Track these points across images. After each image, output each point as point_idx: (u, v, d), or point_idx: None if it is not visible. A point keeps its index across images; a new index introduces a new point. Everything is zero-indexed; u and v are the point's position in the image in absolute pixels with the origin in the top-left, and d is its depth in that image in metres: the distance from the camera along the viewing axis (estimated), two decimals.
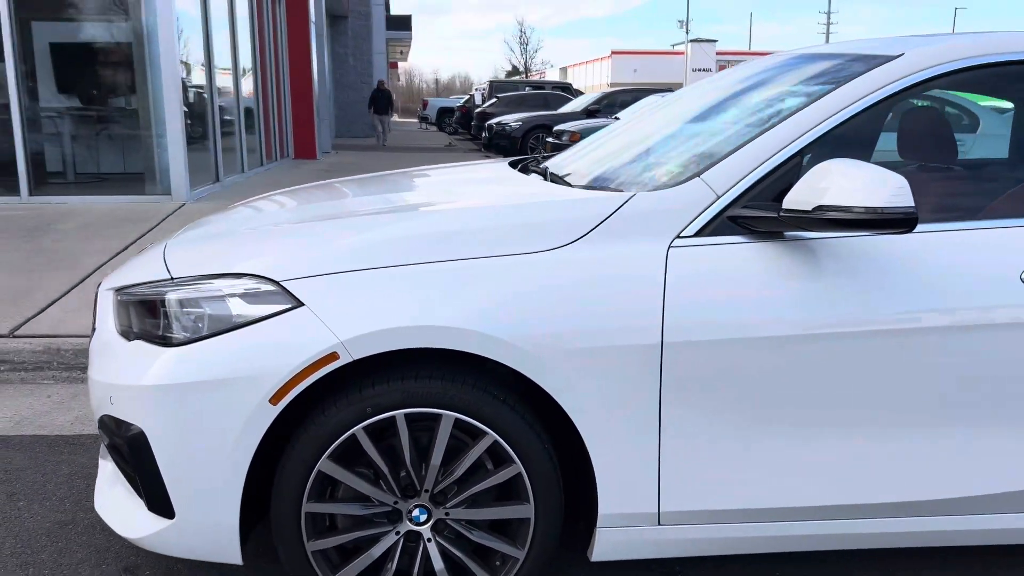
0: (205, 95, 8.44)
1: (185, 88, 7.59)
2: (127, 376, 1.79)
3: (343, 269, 1.76)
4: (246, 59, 10.45)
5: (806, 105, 1.92)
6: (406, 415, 1.74)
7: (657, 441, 1.80)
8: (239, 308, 1.75)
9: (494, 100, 23.73)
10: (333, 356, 1.69)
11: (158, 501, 1.79)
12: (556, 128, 13.52)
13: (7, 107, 6.75)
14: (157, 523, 1.81)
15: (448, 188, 2.50)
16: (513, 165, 2.73)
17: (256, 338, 1.71)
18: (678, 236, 1.81)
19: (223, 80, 9.25)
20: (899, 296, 1.79)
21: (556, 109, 18.82)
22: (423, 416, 1.75)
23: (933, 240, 1.84)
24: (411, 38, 35.41)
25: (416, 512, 1.82)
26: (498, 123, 17.57)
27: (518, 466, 1.78)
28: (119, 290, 1.96)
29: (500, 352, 1.70)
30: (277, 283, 1.76)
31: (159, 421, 1.74)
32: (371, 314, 1.70)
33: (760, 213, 1.80)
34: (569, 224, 1.82)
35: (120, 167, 7.36)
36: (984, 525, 1.94)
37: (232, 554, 1.79)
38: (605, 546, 1.88)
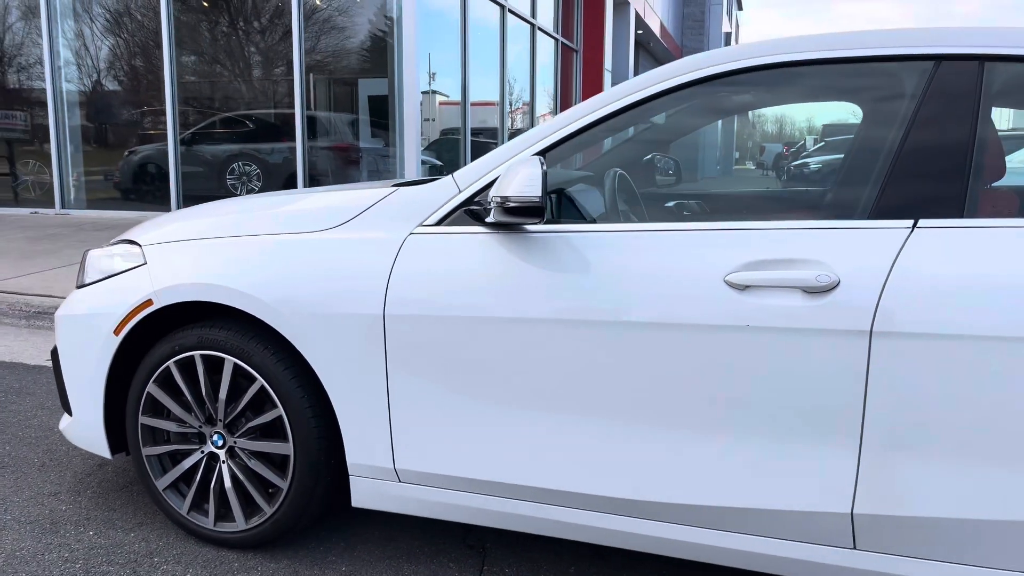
0: (458, 138, 9.57)
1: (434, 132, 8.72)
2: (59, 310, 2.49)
3: (177, 239, 2.29)
4: (512, 102, 11.51)
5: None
6: (202, 356, 2.21)
7: (386, 402, 2.05)
8: (117, 264, 2.36)
9: (822, 144, 22.77)
10: (149, 302, 2.22)
11: (65, 401, 2.46)
12: None
13: (294, 149, 8.41)
14: (67, 419, 2.48)
15: (330, 192, 2.71)
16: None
17: (115, 285, 2.31)
18: (421, 224, 2.05)
19: (481, 126, 10.35)
20: (595, 289, 1.84)
21: None
22: (215, 359, 2.20)
23: (650, 237, 1.85)
24: None
25: (216, 437, 2.26)
26: (796, 165, 16.98)
27: (280, 409, 2.14)
28: None
29: (252, 306, 2.09)
30: (140, 247, 2.34)
31: (61, 341, 2.41)
32: (174, 272, 2.20)
33: (479, 206, 1.98)
34: (339, 211, 2.15)
35: None
36: (675, 535, 1.87)
37: (102, 448, 2.39)
38: (360, 494, 2.15)
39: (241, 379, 2.20)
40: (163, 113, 8.71)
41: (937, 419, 1.65)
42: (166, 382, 2.28)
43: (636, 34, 20.62)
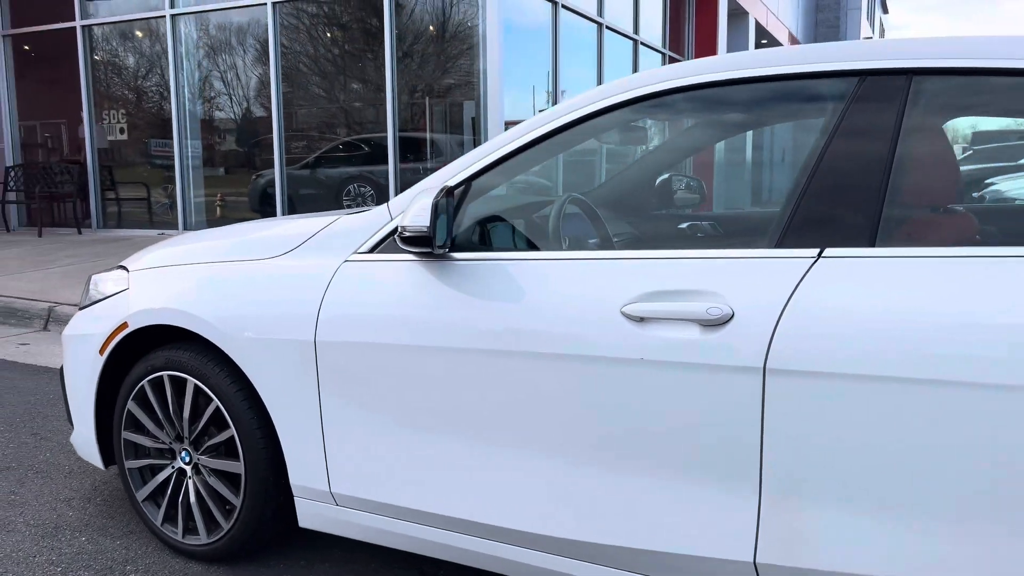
0: None
1: None
2: None
3: (155, 266, 2.43)
4: None
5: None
6: (169, 376, 2.33)
7: (320, 427, 2.09)
8: (109, 288, 2.54)
9: (970, 153, 21.30)
10: (125, 325, 2.37)
11: (68, 414, 2.65)
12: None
13: (384, 175, 8.71)
14: (72, 432, 2.68)
15: (291, 220, 2.75)
16: None
17: (103, 308, 2.48)
18: (355, 252, 2.09)
19: None
20: (508, 318, 1.82)
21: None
22: (180, 379, 2.32)
23: (558, 266, 1.81)
24: None
25: (183, 454, 2.38)
26: None
27: (232, 430, 2.23)
28: None
29: (205, 329, 2.19)
30: (128, 272, 2.50)
31: (64, 358, 2.60)
32: (145, 297, 2.34)
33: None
34: (287, 240, 2.22)
35: None
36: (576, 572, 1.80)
37: (96, 460, 2.56)
38: (304, 516, 2.20)
39: (202, 399, 2.31)
40: (271, 139, 9.23)
41: (840, 465, 1.52)
42: (142, 400, 2.42)
43: (760, 44, 20.00)
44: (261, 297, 2.14)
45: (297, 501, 2.19)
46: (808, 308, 1.54)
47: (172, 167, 9.92)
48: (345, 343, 2.01)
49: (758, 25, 17.76)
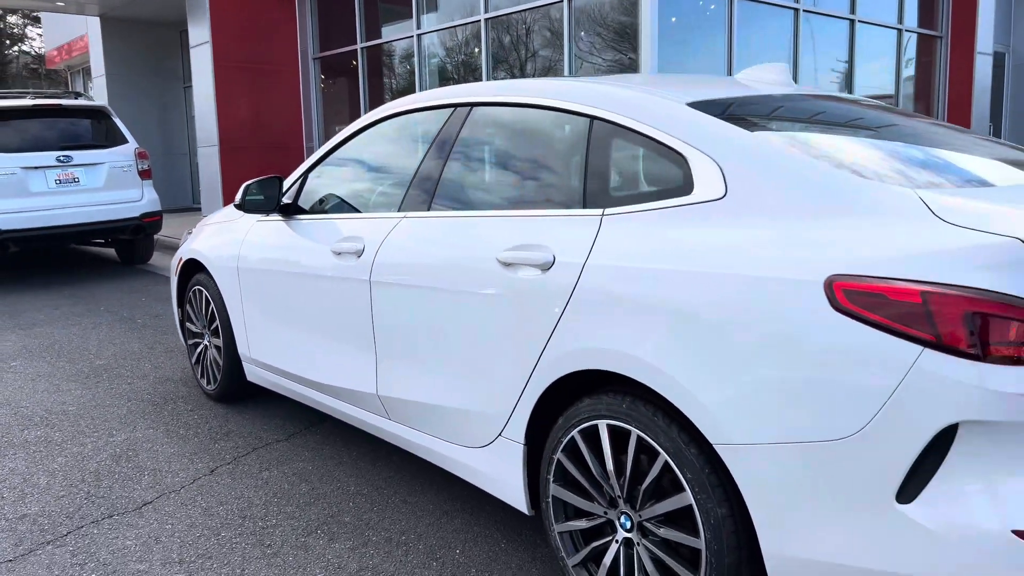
0: None
1: None
2: None
3: (205, 224, 4.10)
4: None
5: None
6: (197, 289, 3.98)
7: (243, 316, 3.58)
8: (191, 235, 4.26)
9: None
10: (181, 258, 4.07)
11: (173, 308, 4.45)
12: None
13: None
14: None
15: None
16: None
17: (183, 247, 4.21)
18: (265, 215, 3.53)
19: None
20: (295, 253, 3.15)
21: None
22: (200, 291, 3.95)
23: (320, 224, 3.09)
24: None
25: (206, 337, 4.02)
26: None
27: (218, 321, 3.81)
28: None
29: (203, 260, 3.79)
30: (196, 226, 4.21)
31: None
32: (190, 242, 4.01)
33: None
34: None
35: None
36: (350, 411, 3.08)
37: (183, 337, 4.32)
38: (247, 372, 3.72)
39: (207, 303, 3.92)
40: None
41: (398, 334, 2.65)
42: (190, 302, 4.11)
43: None
44: (224, 240, 3.69)
45: (243, 363, 3.72)
46: (387, 246, 2.68)
47: None
48: (248, 268, 3.47)
49: None
